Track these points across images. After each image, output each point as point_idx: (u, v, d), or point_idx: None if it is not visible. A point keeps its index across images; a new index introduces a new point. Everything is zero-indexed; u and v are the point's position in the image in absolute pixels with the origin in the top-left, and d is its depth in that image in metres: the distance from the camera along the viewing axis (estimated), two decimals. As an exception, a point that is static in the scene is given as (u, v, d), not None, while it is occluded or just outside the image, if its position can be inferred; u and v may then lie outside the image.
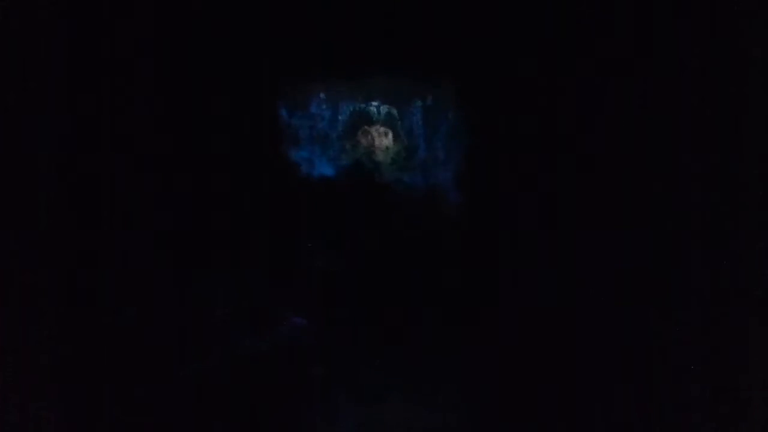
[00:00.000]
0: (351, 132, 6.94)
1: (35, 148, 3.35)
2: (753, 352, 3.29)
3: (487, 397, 4.27)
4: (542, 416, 3.82)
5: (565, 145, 5.50)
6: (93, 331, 3.92)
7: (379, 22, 6.41)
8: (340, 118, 6.93)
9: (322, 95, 6.95)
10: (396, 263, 6.20)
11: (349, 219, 6.44)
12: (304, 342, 5.32)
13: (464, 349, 5.12)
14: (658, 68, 4.32)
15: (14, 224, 3.19)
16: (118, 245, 4.40)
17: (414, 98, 6.92)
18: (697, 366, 3.63)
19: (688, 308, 3.79)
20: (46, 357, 3.33)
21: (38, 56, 3.37)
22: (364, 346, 5.24)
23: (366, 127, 6.91)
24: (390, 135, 6.91)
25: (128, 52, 4.64)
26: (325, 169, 6.84)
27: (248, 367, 4.81)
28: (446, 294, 6.02)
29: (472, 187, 6.46)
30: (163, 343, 4.69)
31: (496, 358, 4.78)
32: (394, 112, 6.90)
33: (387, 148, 6.88)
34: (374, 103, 6.93)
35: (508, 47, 6.05)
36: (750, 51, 3.44)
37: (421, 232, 6.39)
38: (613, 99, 4.85)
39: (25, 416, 3.14)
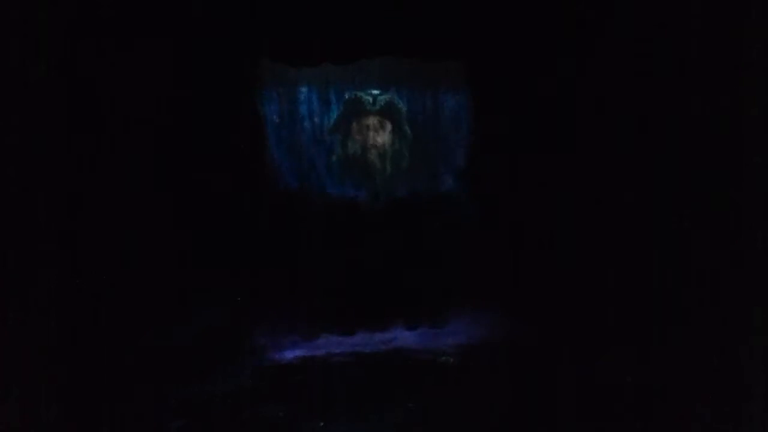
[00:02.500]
0: (343, 126, 6.18)
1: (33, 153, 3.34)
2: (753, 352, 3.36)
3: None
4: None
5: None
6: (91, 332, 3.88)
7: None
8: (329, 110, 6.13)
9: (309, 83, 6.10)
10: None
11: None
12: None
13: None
14: (661, 67, 4.20)
15: (14, 225, 3.22)
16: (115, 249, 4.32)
17: (420, 86, 6.14)
18: (697, 365, 3.72)
19: (688, 308, 3.86)
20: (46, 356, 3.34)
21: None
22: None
23: (361, 119, 6.15)
24: (388, 127, 6.15)
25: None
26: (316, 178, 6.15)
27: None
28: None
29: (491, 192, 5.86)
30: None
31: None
32: (396, 100, 6.14)
33: (384, 149, 6.16)
34: (374, 91, 6.13)
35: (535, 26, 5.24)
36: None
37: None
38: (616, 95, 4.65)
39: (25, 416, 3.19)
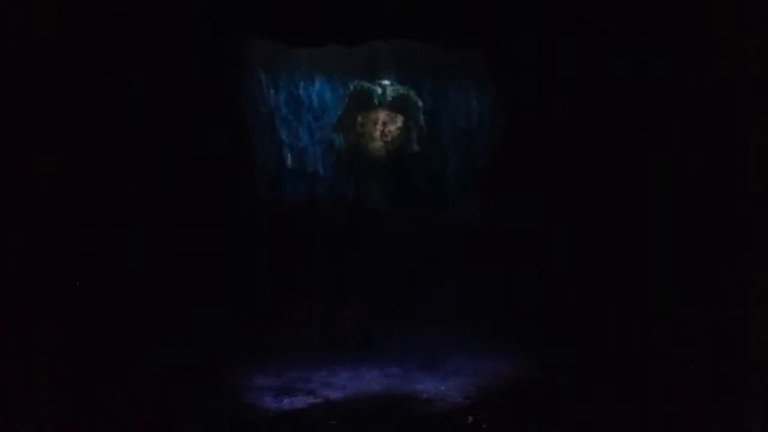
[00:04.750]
0: (347, 121, 5.23)
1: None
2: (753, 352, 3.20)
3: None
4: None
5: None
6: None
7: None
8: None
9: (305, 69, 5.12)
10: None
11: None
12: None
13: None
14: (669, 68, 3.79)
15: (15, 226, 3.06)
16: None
17: (438, 76, 5.18)
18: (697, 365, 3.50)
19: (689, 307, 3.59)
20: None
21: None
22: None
23: (369, 114, 5.20)
24: (400, 123, 5.17)
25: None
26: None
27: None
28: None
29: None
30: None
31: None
32: (410, 93, 5.20)
33: (393, 148, 5.25)
34: (384, 82, 5.15)
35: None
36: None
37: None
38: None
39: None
